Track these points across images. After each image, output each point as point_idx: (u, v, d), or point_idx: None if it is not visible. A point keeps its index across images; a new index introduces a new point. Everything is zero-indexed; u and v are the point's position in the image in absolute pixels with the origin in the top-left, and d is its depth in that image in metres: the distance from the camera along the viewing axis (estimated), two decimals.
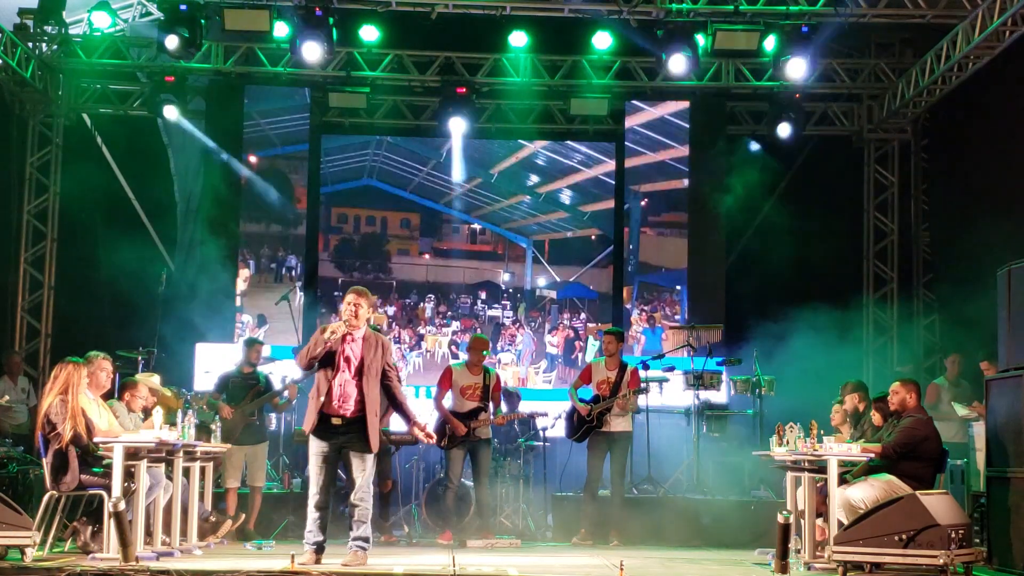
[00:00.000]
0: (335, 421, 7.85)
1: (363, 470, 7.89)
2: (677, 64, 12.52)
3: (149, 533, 8.40)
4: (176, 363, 12.84)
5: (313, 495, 7.96)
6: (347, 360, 7.87)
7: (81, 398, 8.31)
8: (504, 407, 11.27)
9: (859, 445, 8.32)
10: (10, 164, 13.71)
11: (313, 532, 7.94)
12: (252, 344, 11.10)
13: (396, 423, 10.99)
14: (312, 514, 7.94)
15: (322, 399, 7.84)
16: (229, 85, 13.93)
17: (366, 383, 7.85)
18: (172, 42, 12.29)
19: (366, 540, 7.92)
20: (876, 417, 9.04)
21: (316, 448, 7.94)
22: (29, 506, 9.15)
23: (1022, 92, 11.84)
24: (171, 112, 13.57)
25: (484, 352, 10.72)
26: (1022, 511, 7.89)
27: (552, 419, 11.58)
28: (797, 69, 12.59)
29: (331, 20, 12.30)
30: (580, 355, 14.44)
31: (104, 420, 8.57)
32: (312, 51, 12.37)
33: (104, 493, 8.01)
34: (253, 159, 14.24)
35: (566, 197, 14.98)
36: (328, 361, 7.85)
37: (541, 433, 11.70)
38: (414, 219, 15.02)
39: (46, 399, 8.28)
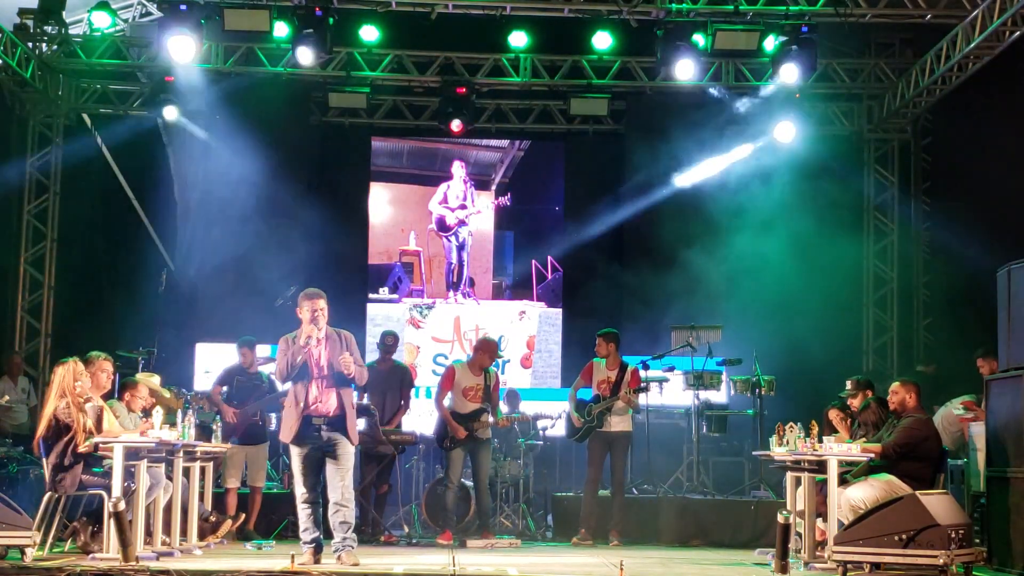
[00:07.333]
0: (317, 422, 7.94)
1: (344, 472, 7.94)
2: (683, 68, 12.51)
3: (149, 533, 8.40)
4: (176, 363, 12.84)
5: (301, 492, 8.01)
6: (318, 364, 7.97)
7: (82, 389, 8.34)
8: (505, 407, 11.26)
9: (859, 445, 8.33)
10: (10, 164, 13.71)
11: (308, 529, 7.97)
12: (243, 344, 10.95)
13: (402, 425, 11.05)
14: (304, 510, 7.98)
15: (301, 406, 7.95)
16: (229, 85, 13.91)
17: (340, 380, 7.99)
18: (305, 55, 12.37)
19: (354, 541, 7.96)
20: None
21: (299, 451, 8.01)
22: (29, 506, 9.15)
23: (1022, 92, 11.85)
24: (171, 112, 13.57)
25: (494, 355, 10.67)
26: (1022, 511, 7.89)
27: (552, 419, 11.58)
28: (796, 71, 12.58)
29: (331, 20, 12.31)
30: None
31: (104, 420, 8.57)
32: (306, 55, 12.40)
33: (104, 493, 8.01)
34: None
35: None
36: (301, 370, 7.96)
37: (541, 433, 11.70)
38: None
39: (50, 402, 8.30)
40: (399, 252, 15.66)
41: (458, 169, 15.48)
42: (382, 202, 16.03)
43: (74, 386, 8.27)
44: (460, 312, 14.96)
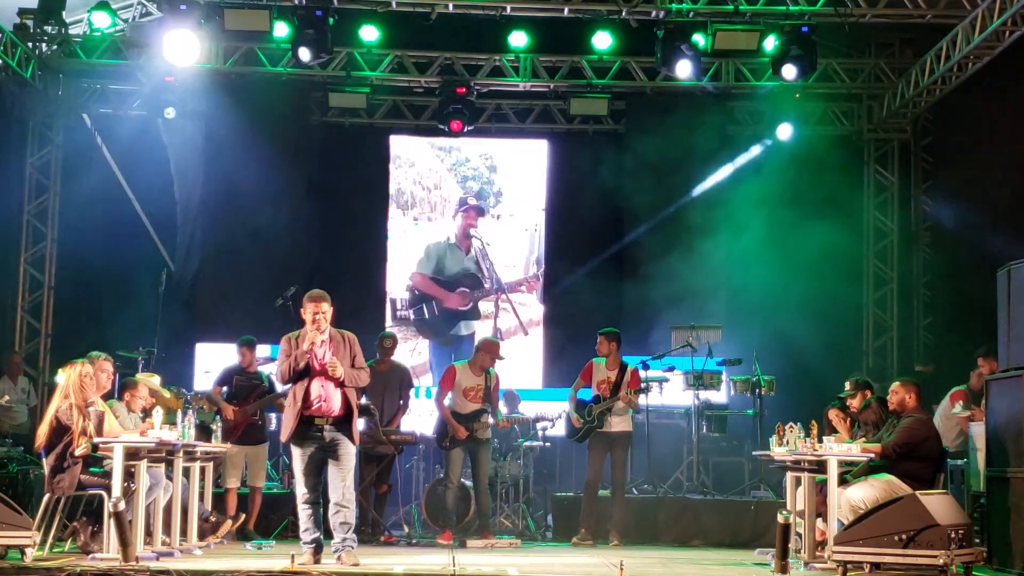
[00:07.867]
0: (320, 422, 7.92)
1: (346, 473, 7.93)
2: (683, 68, 12.53)
3: (149, 533, 8.40)
4: (176, 363, 12.83)
5: (302, 493, 8.00)
6: (321, 363, 7.93)
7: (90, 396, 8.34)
8: (504, 408, 11.26)
9: (859, 445, 8.33)
10: (10, 164, 13.71)
11: (309, 530, 7.96)
12: (243, 344, 10.97)
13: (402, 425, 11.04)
14: (305, 510, 7.98)
15: (299, 405, 7.91)
16: (229, 85, 13.92)
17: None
18: (305, 55, 12.43)
19: (354, 541, 7.96)
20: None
21: (300, 451, 8.00)
22: (29, 506, 9.16)
23: (1022, 92, 11.85)
24: (171, 112, 13.56)
25: (496, 356, 10.65)
26: (1022, 511, 7.89)
27: (552, 419, 11.57)
28: (795, 71, 12.58)
29: (331, 20, 12.31)
30: None
31: (105, 425, 8.56)
32: (306, 55, 12.42)
33: (104, 493, 8.01)
34: None
35: None
36: (302, 369, 7.94)
37: (541, 433, 11.69)
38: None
39: (53, 403, 8.31)
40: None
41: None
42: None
43: (80, 388, 8.27)
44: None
